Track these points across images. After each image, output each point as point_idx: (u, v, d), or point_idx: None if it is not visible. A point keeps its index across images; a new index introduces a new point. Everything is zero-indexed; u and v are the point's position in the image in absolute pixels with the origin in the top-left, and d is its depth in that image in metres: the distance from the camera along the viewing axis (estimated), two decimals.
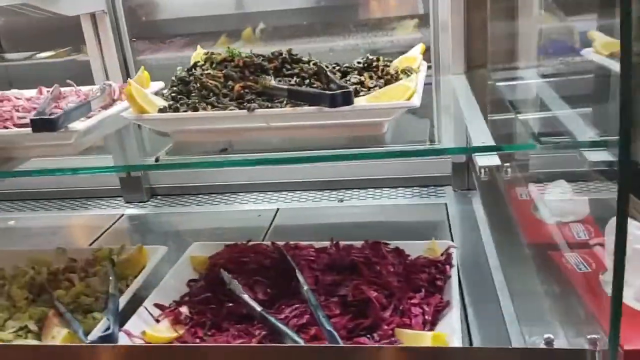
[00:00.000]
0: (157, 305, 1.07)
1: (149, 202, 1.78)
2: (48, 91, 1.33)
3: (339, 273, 1.07)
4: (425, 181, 1.68)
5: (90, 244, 1.52)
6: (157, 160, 1.06)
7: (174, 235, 1.56)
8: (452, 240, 1.32)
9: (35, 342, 0.99)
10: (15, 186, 1.87)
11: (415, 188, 1.68)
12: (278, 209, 1.63)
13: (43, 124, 0.99)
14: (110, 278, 1.14)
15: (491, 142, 0.95)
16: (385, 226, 1.48)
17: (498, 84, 1.38)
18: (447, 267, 1.06)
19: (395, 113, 1.02)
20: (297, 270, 1.02)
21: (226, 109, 1.07)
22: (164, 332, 0.97)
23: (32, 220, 1.73)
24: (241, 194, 1.76)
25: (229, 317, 1.00)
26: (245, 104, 1.08)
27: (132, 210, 1.73)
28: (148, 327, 1.00)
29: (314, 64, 1.20)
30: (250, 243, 1.23)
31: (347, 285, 1.00)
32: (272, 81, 1.13)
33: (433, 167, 1.67)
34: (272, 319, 0.91)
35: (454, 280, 1.03)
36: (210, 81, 1.16)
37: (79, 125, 1.05)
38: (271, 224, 1.55)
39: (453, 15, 1.45)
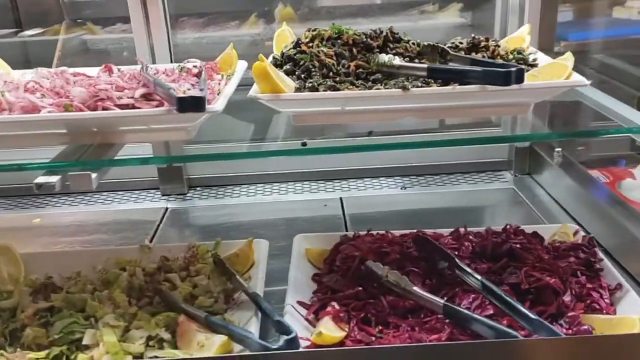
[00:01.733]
0: (300, 303, 0.98)
1: (189, 194, 1.64)
2: (119, 69, 1.17)
3: (490, 260, 1.02)
4: (481, 167, 1.67)
5: (151, 240, 1.37)
6: (304, 144, 0.96)
7: (237, 228, 1.43)
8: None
9: (202, 355, 0.86)
10: (26, 180, 1.64)
11: (473, 174, 1.66)
12: (341, 198, 1.56)
13: (192, 104, 0.86)
14: (237, 277, 1.02)
15: None
16: (468, 213, 1.45)
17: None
18: (595, 249, 1.05)
19: (557, 92, 0.99)
20: (455, 259, 0.97)
21: (371, 88, 0.99)
22: (334, 331, 0.88)
23: (58, 217, 1.53)
24: (291, 183, 1.66)
25: (394, 312, 0.93)
26: (369, 84, 1.01)
27: (174, 204, 1.58)
28: (303, 327, 0.91)
29: (413, 43, 1.14)
30: (374, 232, 1.15)
31: (513, 272, 0.96)
32: (396, 59, 1.06)
33: (490, 153, 1.66)
34: (468, 312, 0.85)
35: (607, 263, 1.02)
36: (328, 59, 1.08)
37: (216, 105, 0.93)
38: (343, 213, 1.48)
39: None
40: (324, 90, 0.98)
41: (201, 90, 0.92)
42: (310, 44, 1.12)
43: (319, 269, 1.11)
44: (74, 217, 1.52)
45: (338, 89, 0.99)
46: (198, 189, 1.66)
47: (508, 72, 0.90)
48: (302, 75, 1.04)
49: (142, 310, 1.00)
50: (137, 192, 1.65)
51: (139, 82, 1.06)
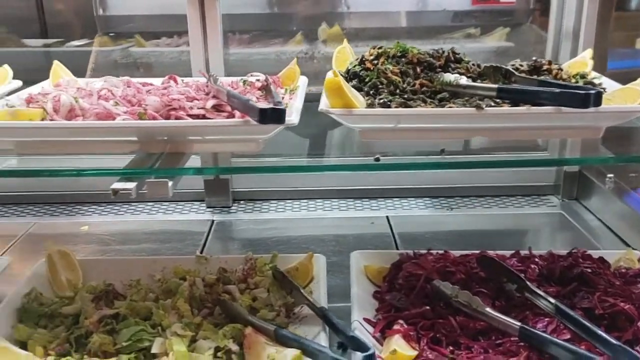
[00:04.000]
0: (366, 320, 0.97)
1: (233, 207, 1.64)
2: (183, 80, 1.18)
3: (557, 284, 1.01)
4: (527, 190, 1.66)
5: (201, 252, 1.36)
6: (377, 159, 0.96)
7: (286, 243, 1.42)
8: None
9: None
10: (68, 187, 1.65)
11: (519, 197, 1.65)
12: (388, 217, 1.55)
13: (273, 115, 0.86)
14: (302, 291, 1.01)
15: None
16: (519, 235, 1.44)
17: None
18: None
19: (633, 117, 0.98)
20: (526, 282, 0.95)
21: (444, 106, 0.99)
22: (407, 350, 0.87)
23: (106, 225, 1.53)
24: (335, 200, 1.66)
25: (464, 333, 0.91)
26: (438, 102, 1.01)
27: (220, 216, 1.58)
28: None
29: (474, 64, 1.15)
30: (433, 251, 1.15)
31: (585, 297, 0.95)
32: (462, 79, 1.06)
33: (537, 177, 1.65)
34: (547, 336, 0.84)
35: None
36: (394, 77, 1.08)
37: (292, 118, 0.93)
38: (392, 231, 1.47)
39: (587, 24, 1.44)
40: (396, 107, 0.98)
41: (278, 102, 0.92)
42: (375, 62, 1.13)
43: (377, 286, 1.10)
44: (121, 226, 1.53)
45: (410, 106, 0.99)
46: (242, 202, 1.67)
47: (587, 94, 0.90)
48: (371, 92, 1.05)
49: (205, 321, 0.99)
50: (182, 203, 1.66)
51: (207, 94, 1.07)
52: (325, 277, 1.10)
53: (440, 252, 1.15)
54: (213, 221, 1.55)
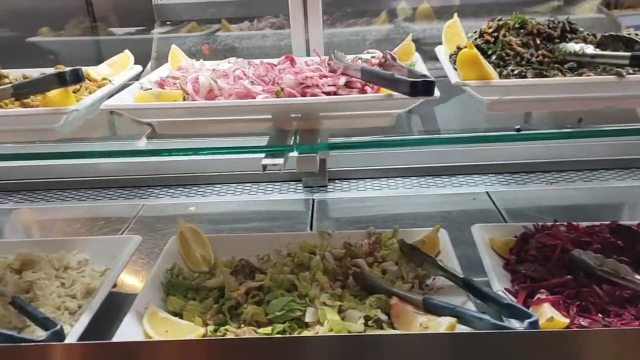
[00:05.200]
0: (507, 290, 0.98)
1: (330, 186, 1.66)
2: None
3: None
4: (626, 163, 1.64)
5: (310, 229, 1.39)
6: (518, 130, 0.97)
7: (393, 219, 1.42)
8: None
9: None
10: (170, 170, 1.71)
11: (618, 170, 1.63)
12: (488, 192, 1.55)
13: (424, 88, 0.87)
14: (440, 263, 1.03)
15: None
16: (630, 208, 1.43)
17: None
18: None
19: None
20: None
21: (580, 75, 0.99)
22: (561, 317, 0.88)
23: (211, 206, 1.58)
24: (430, 177, 1.67)
25: (613, 301, 0.92)
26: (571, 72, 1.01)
27: (319, 195, 1.61)
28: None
29: (588, 34, 1.13)
30: (558, 224, 1.15)
31: None
32: (589, 48, 1.05)
33: (637, 150, 1.63)
34: None
35: None
36: (519, 48, 1.08)
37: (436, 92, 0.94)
38: (496, 206, 1.47)
39: None
40: (531, 77, 0.99)
41: (424, 75, 0.93)
42: (495, 34, 1.13)
43: (504, 258, 1.11)
44: (226, 206, 1.57)
45: (546, 76, 0.99)
46: (337, 181, 1.69)
47: None
48: (500, 64, 1.05)
49: (346, 291, 1.02)
50: (279, 183, 1.69)
51: (331, 71, 1.08)
52: (453, 249, 1.12)
53: (564, 223, 1.15)
54: (314, 200, 1.58)
